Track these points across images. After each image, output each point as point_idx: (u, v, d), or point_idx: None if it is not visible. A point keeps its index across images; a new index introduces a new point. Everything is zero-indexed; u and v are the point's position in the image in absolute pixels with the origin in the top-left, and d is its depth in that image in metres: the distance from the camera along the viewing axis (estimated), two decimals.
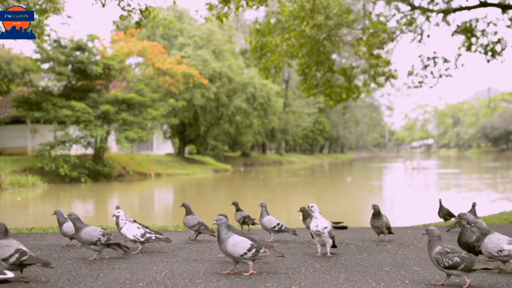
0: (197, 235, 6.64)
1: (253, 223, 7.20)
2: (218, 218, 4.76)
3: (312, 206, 5.62)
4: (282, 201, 20.36)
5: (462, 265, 4.21)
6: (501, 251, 4.65)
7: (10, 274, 3.74)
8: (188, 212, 6.56)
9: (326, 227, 5.45)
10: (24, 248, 4.38)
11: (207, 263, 5.20)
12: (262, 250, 4.62)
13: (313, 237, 5.58)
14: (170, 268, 4.95)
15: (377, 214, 6.33)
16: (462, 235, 5.22)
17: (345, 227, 6.45)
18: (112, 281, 4.43)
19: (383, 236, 6.55)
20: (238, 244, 4.63)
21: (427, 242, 4.40)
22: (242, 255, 4.60)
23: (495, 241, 4.72)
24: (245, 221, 7.20)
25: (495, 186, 25.28)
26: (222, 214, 5.10)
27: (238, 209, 7.24)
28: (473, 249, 5.16)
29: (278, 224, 6.47)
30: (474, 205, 7.26)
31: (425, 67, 14.99)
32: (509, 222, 9.44)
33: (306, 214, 6.41)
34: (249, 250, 4.59)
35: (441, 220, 8.38)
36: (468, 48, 14.29)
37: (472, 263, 4.21)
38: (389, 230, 6.58)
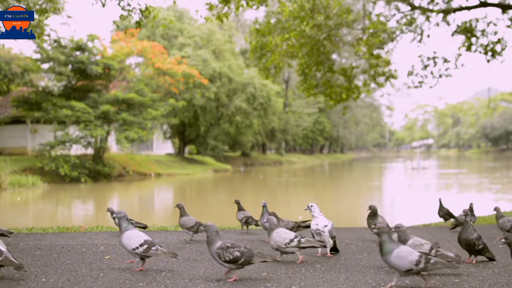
0: (193, 235, 6.62)
1: (257, 224, 7.11)
2: (117, 211, 4.87)
3: (311, 206, 5.61)
4: (282, 201, 20.36)
5: (242, 259, 4.36)
6: (289, 243, 5.02)
7: None
8: (183, 213, 6.51)
9: (326, 226, 5.45)
10: (3, 249, 4.36)
11: (207, 263, 5.20)
12: (154, 248, 4.71)
13: (313, 236, 5.58)
14: (170, 268, 4.95)
15: (372, 214, 6.32)
16: (463, 232, 5.21)
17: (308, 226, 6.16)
18: (112, 281, 4.43)
19: None
20: (133, 238, 4.74)
21: (206, 238, 4.50)
22: (134, 249, 4.72)
23: (282, 235, 5.06)
24: (248, 221, 7.15)
25: (495, 186, 25.28)
26: None
27: (240, 209, 7.17)
28: (473, 246, 5.16)
29: None
30: (471, 205, 7.27)
31: (425, 67, 15.00)
32: None
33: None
34: (141, 245, 4.70)
35: (441, 219, 8.40)
36: (468, 48, 14.30)
37: (251, 257, 4.38)
38: None
